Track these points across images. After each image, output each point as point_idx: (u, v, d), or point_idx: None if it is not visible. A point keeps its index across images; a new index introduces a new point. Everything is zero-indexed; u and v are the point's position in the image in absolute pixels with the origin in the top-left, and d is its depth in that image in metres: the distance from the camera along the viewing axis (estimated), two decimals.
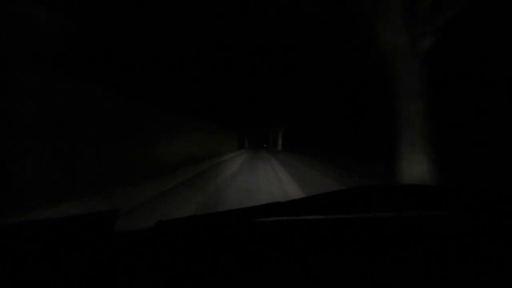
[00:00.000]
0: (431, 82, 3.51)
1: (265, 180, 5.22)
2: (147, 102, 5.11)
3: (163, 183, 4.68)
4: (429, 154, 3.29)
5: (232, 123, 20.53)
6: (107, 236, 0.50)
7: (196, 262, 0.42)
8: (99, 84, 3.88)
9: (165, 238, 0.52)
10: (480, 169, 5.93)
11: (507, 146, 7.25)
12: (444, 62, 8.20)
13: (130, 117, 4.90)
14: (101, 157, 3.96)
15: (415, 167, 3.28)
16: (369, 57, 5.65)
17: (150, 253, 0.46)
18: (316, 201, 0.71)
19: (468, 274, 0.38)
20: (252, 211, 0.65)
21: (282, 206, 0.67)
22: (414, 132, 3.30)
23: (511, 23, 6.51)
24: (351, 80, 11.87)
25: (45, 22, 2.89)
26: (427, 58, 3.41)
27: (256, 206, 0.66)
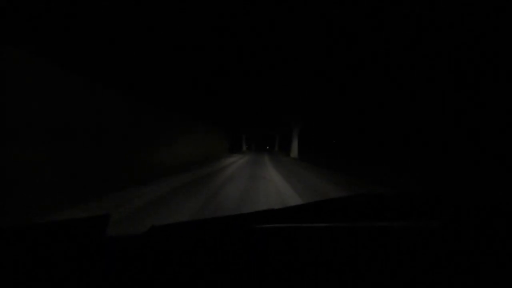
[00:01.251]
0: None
1: None
2: None
3: None
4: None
5: (221, 117, 15.10)
6: (100, 241, 0.50)
7: (189, 267, 0.42)
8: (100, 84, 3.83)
9: (158, 243, 0.51)
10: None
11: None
12: None
13: None
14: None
15: None
16: None
17: (144, 258, 0.45)
18: (312, 209, 0.71)
19: (467, 281, 0.38)
20: (249, 218, 0.65)
21: (279, 213, 0.67)
22: None
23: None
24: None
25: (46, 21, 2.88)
26: None
27: (252, 213, 0.66)
